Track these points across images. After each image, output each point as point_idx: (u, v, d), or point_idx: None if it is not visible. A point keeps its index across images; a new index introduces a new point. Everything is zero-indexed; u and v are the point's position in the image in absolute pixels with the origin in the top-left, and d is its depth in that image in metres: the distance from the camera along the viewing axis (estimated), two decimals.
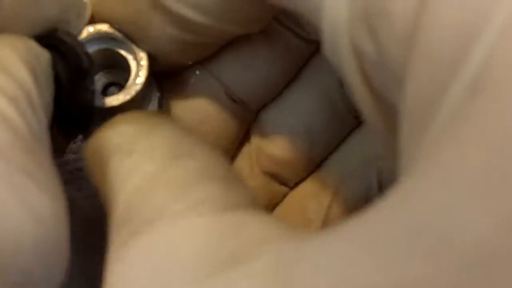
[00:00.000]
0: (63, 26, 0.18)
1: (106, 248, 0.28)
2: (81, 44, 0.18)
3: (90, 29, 0.19)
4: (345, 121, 0.21)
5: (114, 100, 0.19)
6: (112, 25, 0.19)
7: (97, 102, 0.19)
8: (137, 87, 0.19)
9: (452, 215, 0.09)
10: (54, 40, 0.17)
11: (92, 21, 0.19)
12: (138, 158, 0.15)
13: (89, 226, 0.27)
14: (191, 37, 0.18)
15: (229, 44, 0.20)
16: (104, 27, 0.19)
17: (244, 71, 0.20)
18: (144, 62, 0.19)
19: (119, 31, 0.19)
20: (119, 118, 0.17)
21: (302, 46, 0.20)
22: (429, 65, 0.11)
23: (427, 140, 0.10)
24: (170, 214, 0.13)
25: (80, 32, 0.19)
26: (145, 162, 0.15)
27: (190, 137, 0.16)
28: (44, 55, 0.17)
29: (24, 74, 0.15)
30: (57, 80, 0.17)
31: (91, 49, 0.19)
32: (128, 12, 0.18)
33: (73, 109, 0.18)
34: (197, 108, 0.21)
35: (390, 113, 0.13)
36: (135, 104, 0.19)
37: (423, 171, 0.10)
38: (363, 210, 0.10)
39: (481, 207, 0.09)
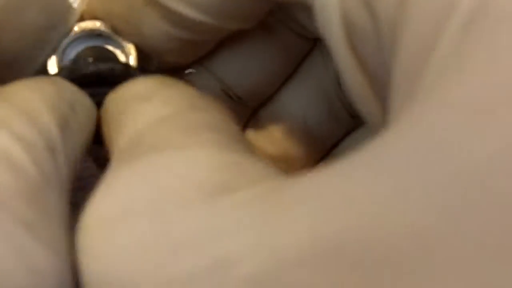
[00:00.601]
0: (48, 32, 0.18)
1: None
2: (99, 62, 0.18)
3: (75, 28, 0.19)
4: (342, 120, 0.21)
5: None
6: (105, 22, 0.19)
7: None
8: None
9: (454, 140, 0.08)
10: (79, 77, 0.18)
11: (80, 19, 0.19)
12: (155, 102, 0.15)
13: None
14: (185, 34, 0.18)
15: (226, 41, 0.20)
16: (89, 24, 0.19)
17: (242, 67, 0.20)
18: (133, 52, 0.19)
19: (112, 28, 0.19)
20: (137, 78, 0.17)
21: (299, 43, 0.20)
22: (422, 13, 0.10)
23: (426, 81, 0.10)
24: (175, 145, 0.13)
25: (65, 36, 0.19)
26: (161, 106, 0.15)
27: (206, 98, 0.16)
28: (81, 99, 0.17)
29: (48, 121, 0.15)
30: None
31: (79, 47, 0.19)
32: (121, 9, 0.18)
33: None
34: None
35: (380, 90, 0.12)
36: None
37: (421, 109, 0.09)
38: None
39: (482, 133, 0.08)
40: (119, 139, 0.15)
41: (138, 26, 0.18)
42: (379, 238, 0.08)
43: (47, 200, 0.14)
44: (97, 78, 0.18)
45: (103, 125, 0.17)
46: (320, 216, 0.09)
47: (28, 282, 0.12)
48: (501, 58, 0.09)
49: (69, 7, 0.19)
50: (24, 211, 0.13)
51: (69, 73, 0.18)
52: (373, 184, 0.09)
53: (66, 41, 0.18)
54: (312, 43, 0.20)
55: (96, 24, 0.19)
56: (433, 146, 0.09)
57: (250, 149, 0.14)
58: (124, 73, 0.18)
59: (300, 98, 0.21)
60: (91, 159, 0.27)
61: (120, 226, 0.12)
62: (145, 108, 0.15)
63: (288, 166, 0.21)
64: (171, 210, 0.11)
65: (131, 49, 0.19)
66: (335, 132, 0.21)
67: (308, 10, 0.14)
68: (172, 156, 0.13)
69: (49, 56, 0.18)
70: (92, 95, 0.18)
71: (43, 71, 0.19)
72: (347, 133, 0.21)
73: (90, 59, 0.18)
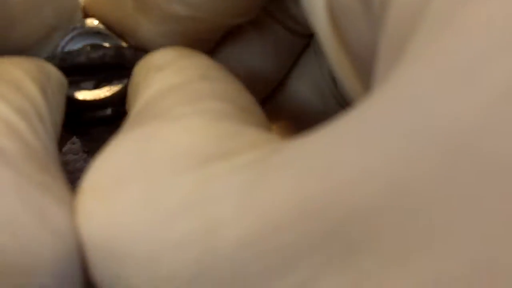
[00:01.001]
0: (55, 32, 0.19)
1: None
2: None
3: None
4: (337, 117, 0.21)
5: (104, 92, 0.19)
6: (103, 25, 0.19)
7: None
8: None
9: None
10: (70, 66, 0.18)
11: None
12: (167, 72, 0.15)
13: None
14: (181, 35, 0.18)
15: (221, 43, 0.20)
16: (88, 22, 0.19)
17: (237, 70, 0.20)
18: None
19: (110, 29, 0.19)
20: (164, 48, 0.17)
21: (295, 41, 0.20)
22: None
23: (409, 47, 0.10)
24: (174, 114, 0.13)
25: (67, 34, 0.19)
26: (172, 75, 0.15)
27: (226, 71, 0.16)
28: (55, 74, 0.18)
29: (34, 91, 0.16)
30: None
31: (77, 45, 0.19)
32: (115, 16, 0.19)
33: None
34: None
35: (365, 74, 0.13)
36: (125, 95, 0.19)
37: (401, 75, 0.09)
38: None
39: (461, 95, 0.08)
40: (133, 107, 0.15)
41: (133, 32, 0.18)
42: (362, 198, 0.09)
43: (50, 166, 0.14)
44: (90, 67, 0.18)
45: (128, 95, 0.18)
46: (305, 178, 0.09)
47: (50, 243, 0.12)
48: (488, 19, 0.09)
49: (78, 7, 0.19)
50: (37, 174, 0.13)
51: (59, 61, 0.18)
52: (356, 146, 0.09)
53: (66, 38, 0.19)
54: (305, 41, 0.20)
55: (95, 23, 0.19)
56: (415, 104, 0.09)
57: (261, 120, 0.14)
58: (117, 59, 0.18)
59: (294, 98, 0.21)
60: (90, 159, 0.27)
61: (114, 193, 0.12)
62: (158, 77, 0.15)
63: None
64: (163, 177, 0.12)
65: None
66: None
67: None
68: (169, 126, 0.13)
69: (50, 53, 0.19)
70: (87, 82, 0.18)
71: None
72: None
73: (87, 48, 0.19)
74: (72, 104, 0.19)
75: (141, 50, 0.19)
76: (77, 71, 0.19)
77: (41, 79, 0.16)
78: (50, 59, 0.18)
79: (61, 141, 0.23)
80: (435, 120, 0.08)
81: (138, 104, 0.15)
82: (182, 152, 0.12)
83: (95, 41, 0.19)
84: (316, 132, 0.10)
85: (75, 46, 0.19)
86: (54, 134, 0.16)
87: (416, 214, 0.08)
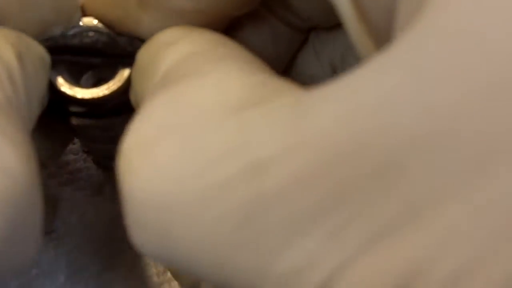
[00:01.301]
0: (52, 28, 0.19)
1: (105, 246, 0.28)
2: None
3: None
4: None
5: (103, 90, 0.19)
6: (103, 23, 0.19)
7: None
8: (125, 73, 0.19)
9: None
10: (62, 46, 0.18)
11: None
12: (182, 43, 0.16)
13: (88, 225, 0.27)
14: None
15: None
16: (87, 20, 0.19)
17: None
18: None
19: (110, 28, 0.19)
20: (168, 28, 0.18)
21: (293, 36, 0.20)
22: None
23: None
24: (201, 72, 0.14)
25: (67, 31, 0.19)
26: (189, 44, 0.16)
27: (232, 41, 0.16)
28: (37, 48, 0.18)
29: (8, 55, 0.16)
30: None
31: None
32: (116, 14, 0.19)
33: None
34: None
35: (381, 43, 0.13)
36: (123, 93, 0.19)
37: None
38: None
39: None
40: (150, 83, 0.16)
41: (134, 30, 0.18)
42: (398, 133, 0.09)
43: (10, 114, 0.14)
44: (82, 50, 0.19)
45: (134, 83, 0.18)
46: (354, 113, 0.10)
47: (1, 182, 0.12)
48: None
49: (77, 7, 0.19)
50: None
51: (52, 42, 0.18)
52: (394, 82, 0.09)
53: None
54: (304, 36, 0.20)
55: (94, 22, 0.19)
56: (456, 36, 0.09)
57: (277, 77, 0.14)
58: (111, 46, 0.19)
59: None
60: (90, 159, 0.27)
61: (157, 146, 0.12)
62: (171, 51, 0.16)
63: None
64: (204, 126, 0.12)
65: None
66: None
67: None
68: (202, 79, 0.13)
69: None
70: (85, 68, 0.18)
71: None
72: None
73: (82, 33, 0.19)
74: (71, 103, 0.19)
75: (136, 39, 0.19)
76: (70, 52, 0.19)
77: (18, 46, 0.17)
78: (44, 41, 0.18)
79: (62, 141, 0.23)
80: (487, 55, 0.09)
81: (155, 79, 0.15)
82: (217, 101, 0.12)
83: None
84: (345, 75, 0.10)
85: None
86: (27, 100, 0.16)
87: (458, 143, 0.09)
